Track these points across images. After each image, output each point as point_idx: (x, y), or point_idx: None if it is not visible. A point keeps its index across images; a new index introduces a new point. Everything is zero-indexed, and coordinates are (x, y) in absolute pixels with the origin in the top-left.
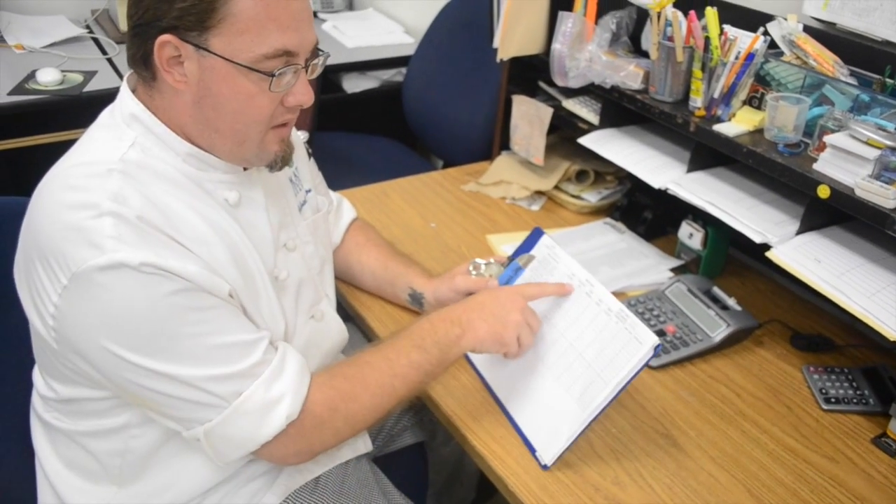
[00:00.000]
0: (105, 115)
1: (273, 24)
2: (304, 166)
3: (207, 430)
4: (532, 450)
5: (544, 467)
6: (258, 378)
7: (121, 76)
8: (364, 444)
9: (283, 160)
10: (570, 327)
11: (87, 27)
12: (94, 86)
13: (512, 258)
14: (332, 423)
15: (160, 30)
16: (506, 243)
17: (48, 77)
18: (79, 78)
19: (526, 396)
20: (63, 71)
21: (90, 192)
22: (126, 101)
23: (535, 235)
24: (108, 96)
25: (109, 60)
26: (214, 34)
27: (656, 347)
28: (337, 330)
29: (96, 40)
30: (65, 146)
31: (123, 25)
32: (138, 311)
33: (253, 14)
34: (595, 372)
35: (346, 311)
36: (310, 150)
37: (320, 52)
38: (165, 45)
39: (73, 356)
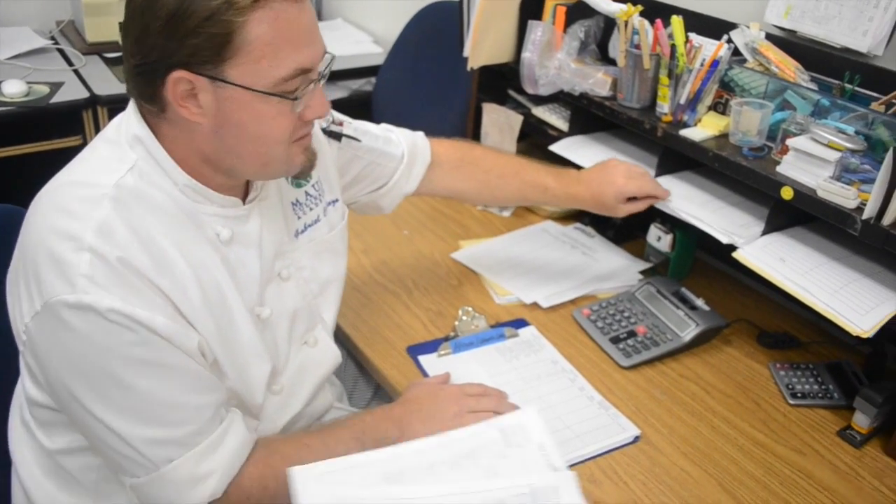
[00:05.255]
0: (111, 129)
1: (288, 45)
2: (332, 171)
3: (133, 484)
4: None
5: None
6: (192, 448)
7: (88, 87)
8: None
9: (309, 167)
10: (551, 395)
11: (53, 38)
12: (60, 97)
13: (500, 325)
14: (258, 502)
15: (170, 67)
16: (477, 248)
17: (13, 89)
18: (45, 89)
19: None
20: (29, 83)
21: (78, 219)
22: (132, 121)
23: (521, 323)
24: (75, 108)
25: (76, 72)
26: (231, 65)
27: (636, 437)
28: (330, 355)
29: (62, 51)
30: (32, 158)
31: (90, 36)
32: (95, 355)
33: (268, 39)
34: (574, 434)
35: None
36: (341, 132)
37: (326, 54)
38: (179, 81)
39: (37, 371)
